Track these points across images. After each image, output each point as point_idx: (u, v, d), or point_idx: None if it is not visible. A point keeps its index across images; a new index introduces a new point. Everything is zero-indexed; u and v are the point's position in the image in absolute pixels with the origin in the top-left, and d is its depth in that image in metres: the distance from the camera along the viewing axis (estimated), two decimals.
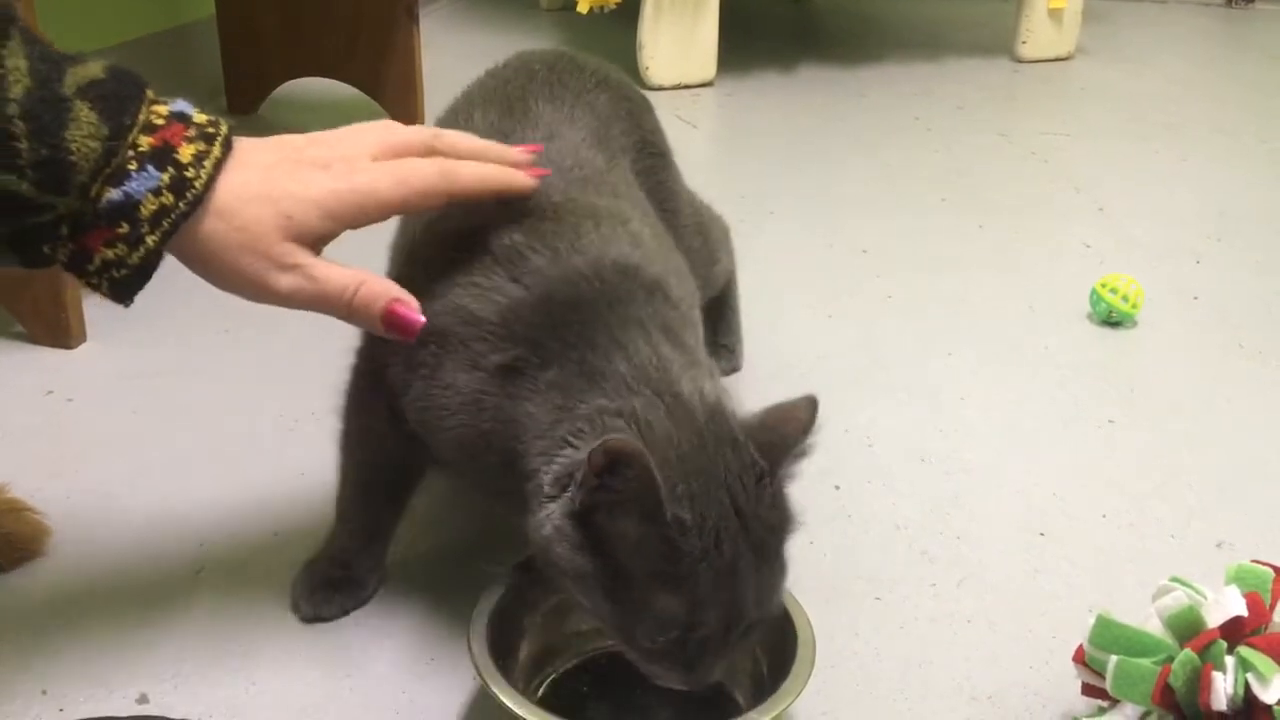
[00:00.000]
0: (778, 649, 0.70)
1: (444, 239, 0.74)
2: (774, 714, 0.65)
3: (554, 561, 0.62)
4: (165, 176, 0.61)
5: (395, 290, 0.67)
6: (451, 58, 2.09)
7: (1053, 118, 2.14)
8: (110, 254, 0.61)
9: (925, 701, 0.76)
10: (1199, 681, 0.64)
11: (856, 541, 0.91)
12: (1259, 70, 2.58)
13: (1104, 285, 1.27)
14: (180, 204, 0.61)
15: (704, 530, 0.60)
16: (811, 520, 0.91)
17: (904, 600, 0.85)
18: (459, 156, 0.70)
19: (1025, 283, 1.39)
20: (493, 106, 0.84)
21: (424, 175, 0.67)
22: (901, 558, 0.89)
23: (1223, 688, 0.63)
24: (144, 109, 0.62)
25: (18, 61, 0.58)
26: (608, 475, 0.59)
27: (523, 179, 0.72)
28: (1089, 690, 0.70)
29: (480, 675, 0.66)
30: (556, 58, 0.91)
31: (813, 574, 0.85)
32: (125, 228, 0.61)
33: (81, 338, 1.14)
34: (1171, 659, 0.65)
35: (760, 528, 0.62)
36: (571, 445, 0.63)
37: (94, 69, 0.62)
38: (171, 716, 0.70)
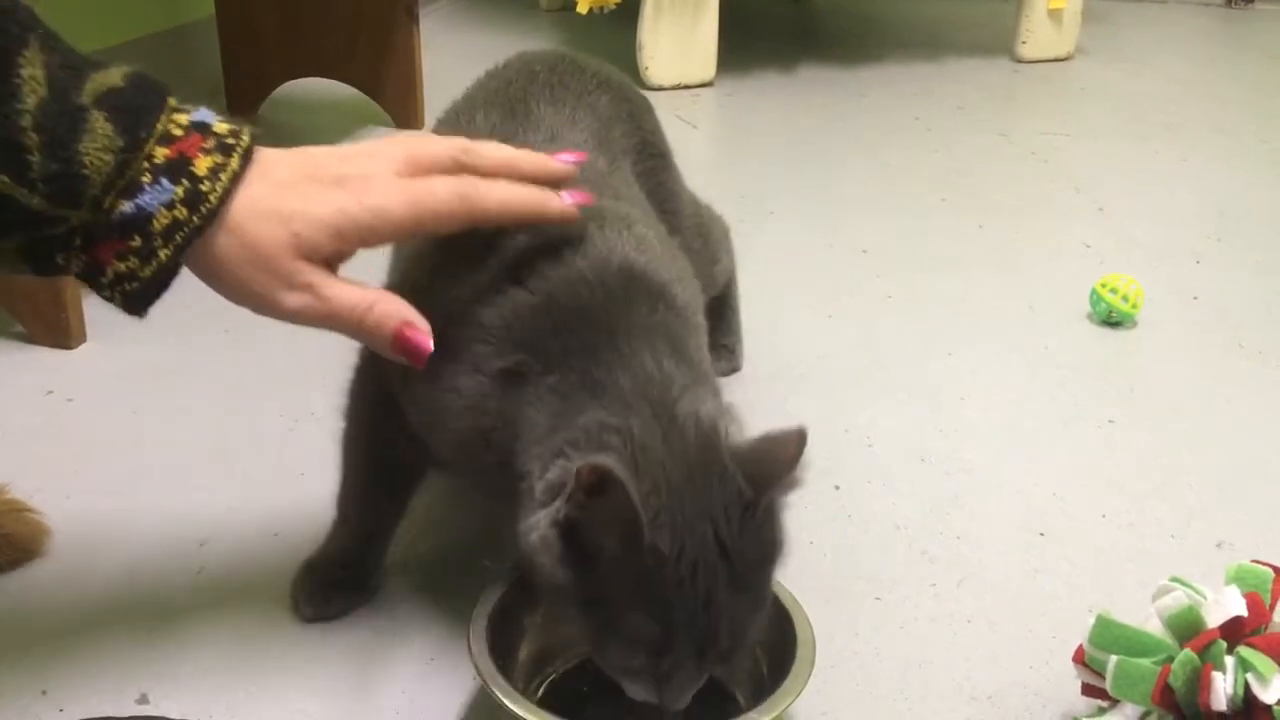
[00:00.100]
0: (778, 649, 0.70)
1: (447, 240, 0.74)
2: (774, 714, 0.65)
3: (537, 569, 0.62)
4: (179, 190, 0.60)
5: (407, 313, 0.65)
6: (451, 58, 2.09)
7: (1053, 118, 2.14)
8: (122, 266, 0.60)
9: (925, 701, 0.76)
10: (1199, 681, 0.64)
11: (856, 541, 0.91)
12: (1259, 70, 2.58)
13: (1104, 285, 1.27)
14: (194, 218, 0.60)
15: (681, 560, 0.60)
16: (811, 520, 0.92)
17: (904, 600, 0.85)
18: (490, 170, 0.68)
19: (1025, 283, 1.39)
20: (494, 109, 0.84)
21: (441, 198, 0.65)
22: (901, 558, 0.89)
23: (1222, 688, 0.63)
24: (163, 119, 0.61)
25: (34, 71, 0.58)
26: (593, 494, 0.59)
27: (556, 206, 0.68)
28: (1089, 690, 0.70)
29: (480, 675, 0.66)
30: (557, 59, 0.91)
31: (813, 574, 0.85)
32: (137, 241, 0.60)
33: (81, 338, 1.15)
34: (1171, 659, 0.65)
35: (741, 560, 0.61)
36: (566, 456, 0.63)
37: (115, 76, 0.61)
38: (171, 717, 0.70)
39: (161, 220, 0.60)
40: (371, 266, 0.74)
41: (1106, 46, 2.58)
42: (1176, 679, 0.64)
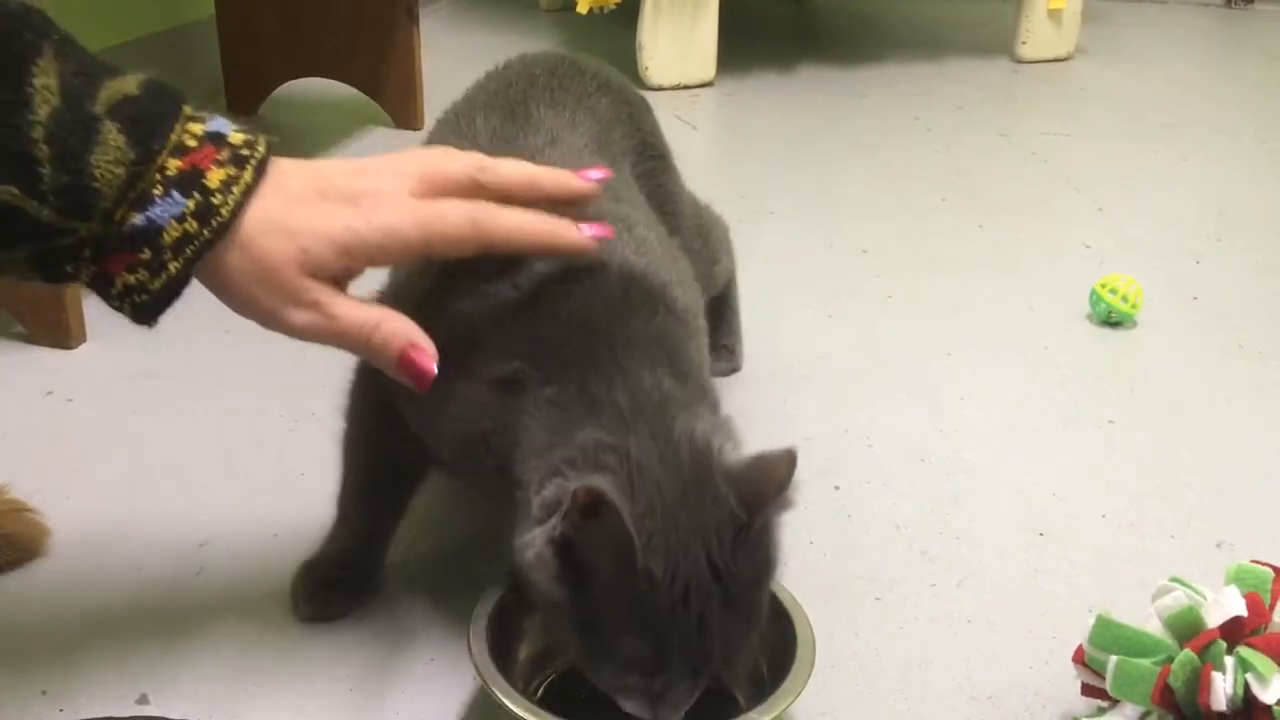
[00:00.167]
0: (778, 649, 0.70)
1: None
2: (774, 714, 0.65)
3: (532, 586, 0.63)
4: (190, 203, 0.59)
5: (413, 335, 0.64)
6: (451, 58, 2.09)
7: (1053, 118, 2.14)
8: (131, 279, 0.60)
9: (925, 701, 0.76)
10: (1199, 682, 0.64)
11: (856, 541, 0.91)
12: (1259, 70, 2.58)
13: (1104, 285, 1.27)
14: (204, 231, 0.60)
15: (674, 583, 0.60)
16: (811, 520, 0.92)
17: (904, 600, 0.85)
18: (509, 188, 0.67)
19: (1025, 283, 1.39)
20: (495, 112, 0.84)
21: (453, 222, 0.64)
22: (901, 558, 0.89)
23: (1222, 688, 0.63)
24: (177, 129, 0.60)
25: (47, 79, 0.57)
26: (588, 516, 0.59)
27: (571, 238, 0.67)
28: (1089, 690, 0.70)
29: (480, 676, 0.66)
30: (557, 61, 0.91)
31: (813, 574, 0.85)
32: (147, 253, 0.59)
33: (81, 338, 1.14)
34: (1171, 659, 0.65)
35: (734, 582, 0.61)
36: (563, 475, 0.63)
37: (130, 84, 0.60)
38: (171, 717, 0.70)
39: (172, 233, 0.59)
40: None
41: (1106, 46, 2.58)
42: (1176, 679, 0.64)
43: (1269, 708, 0.62)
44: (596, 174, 0.70)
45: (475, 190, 0.66)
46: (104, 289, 0.61)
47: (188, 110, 0.61)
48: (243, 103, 1.83)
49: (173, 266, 0.60)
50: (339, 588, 0.81)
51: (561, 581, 0.61)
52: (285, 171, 0.63)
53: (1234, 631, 0.65)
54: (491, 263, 0.69)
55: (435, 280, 0.71)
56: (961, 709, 0.75)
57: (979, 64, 2.41)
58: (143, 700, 0.73)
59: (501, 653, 0.68)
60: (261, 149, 0.62)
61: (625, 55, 2.10)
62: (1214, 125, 2.08)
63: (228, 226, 0.60)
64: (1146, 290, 1.27)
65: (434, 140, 0.86)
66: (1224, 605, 0.66)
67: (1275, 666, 0.63)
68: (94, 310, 1.14)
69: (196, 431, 1.02)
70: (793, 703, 0.66)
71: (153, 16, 1.86)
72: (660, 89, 2.10)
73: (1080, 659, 0.70)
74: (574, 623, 0.62)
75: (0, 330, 1.15)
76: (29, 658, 0.76)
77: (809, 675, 0.67)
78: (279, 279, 0.61)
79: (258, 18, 1.79)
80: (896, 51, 2.48)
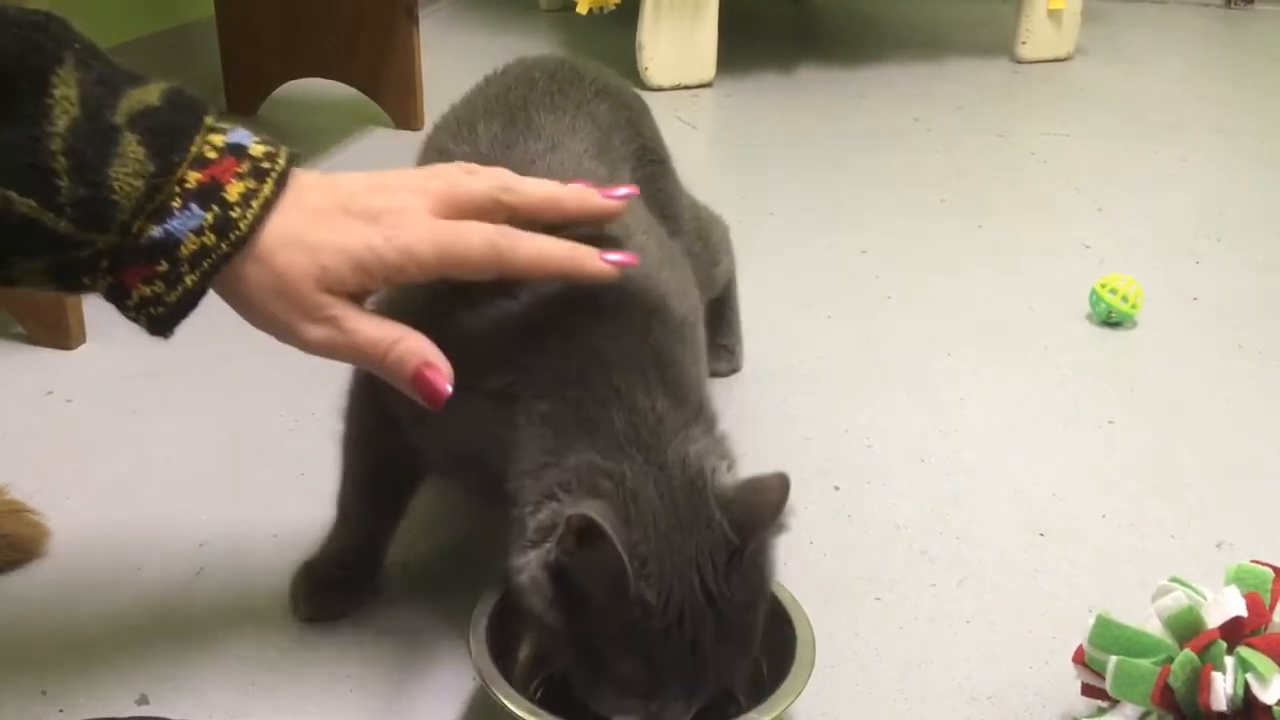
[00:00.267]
0: (778, 649, 0.70)
1: None
2: (774, 714, 0.65)
3: (528, 609, 0.63)
4: (209, 216, 0.59)
5: (429, 354, 0.63)
6: (451, 59, 2.10)
7: (1052, 118, 2.14)
8: (148, 291, 0.59)
9: (925, 701, 0.76)
10: (1199, 682, 0.64)
11: (856, 541, 0.91)
12: (1259, 70, 2.58)
13: (1104, 286, 1.27)
14: (222, 245, 0.59)
15: (668, 609, 0.60)
16: (811, 520, 0.92)
17: (904, 600, 0.85)
18: (532, 209, 0.66)
19: (1025, 283, 1.39)
20: (495, 117, 0.83)
21: (473, 245, 0.63)
22: (901, 558, 0.89)
23: (1222, 688, 0.63)
24: (197, 141, 0.60)
25: (67, 90, 0.57)
26: (582, 543, 0.59)
27: (591, 266, 0.66)
28: (1089, 690, 0.70)
29: (480, 676, 0.66)
30: (556, 66, 0.90)
31: (813, 574, 0.85)
32: (164, 266, 0.59)
33: (81, 338, 1.14)
34: (1171, 659, 0.65)
35: (728, 606, 0.62)
36: (557, 498, 0.63)
37: (152, 94, 0.60)
38: (171, 717, 0.70)
39: (189, 246, 0.59)
40: None
41: (1106, 47, 2.58)
42: (1176, 679, 0.64)
43: (1269, 708, 0.62)
44: (621, 191, 0.70)
45: (498, 210, 0.65)
46: (120, 300, 0.60)
47: (209, 121, 0.61)
48: (243, 103, 1.83)
49: (190, 279, 0.59)
50: (339, 588, 0.81)
51: (557, 606, 0.61)
52: (306, 186, 0.63)
53: (1234, 631, 0.65)
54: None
55: (433, 290, 0.71)
56: (961, 709, 0.75)
57: (979, 64, 2.41)
58: (143, 700, 0.73)
59: (501, 653, 0.68)
60: (282, 161, 0.62)
61: (625, 55, 2.10)
62: (1214, 125, 2.08)
63: (246, 240, 0.60)
64: (1146, 290, 1.27)
65: (433, 145, 0.86)
66: (1224, 605, 0.66)
67: (1275, 667, 0.63)
68: (94, 310, 1.14)
69: (196, 431, 1.02)
70: (793, 703, 0.66)
71: (153, 16, 1.86)
72: (660, 89, 2.10)
73: (1080, 659, 0.70)
74: (570, 646, 0.62)
75: (0, 330, 1.15)
76: (29, 658, 0.76)
77: (809, 675, 0.67)
78: (297, 294, 0.61)
79: (258, 18, 1.79)
80: (896, 52, 2.48)
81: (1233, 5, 3.11)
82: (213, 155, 0.60)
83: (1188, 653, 0.65)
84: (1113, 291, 1.26)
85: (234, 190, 0.60)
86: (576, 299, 0.68)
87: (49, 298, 1.12)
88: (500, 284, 0.69)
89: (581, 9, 2.09)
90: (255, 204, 0.60)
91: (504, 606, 0.70)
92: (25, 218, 0.56)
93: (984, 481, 0.99)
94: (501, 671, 0.66)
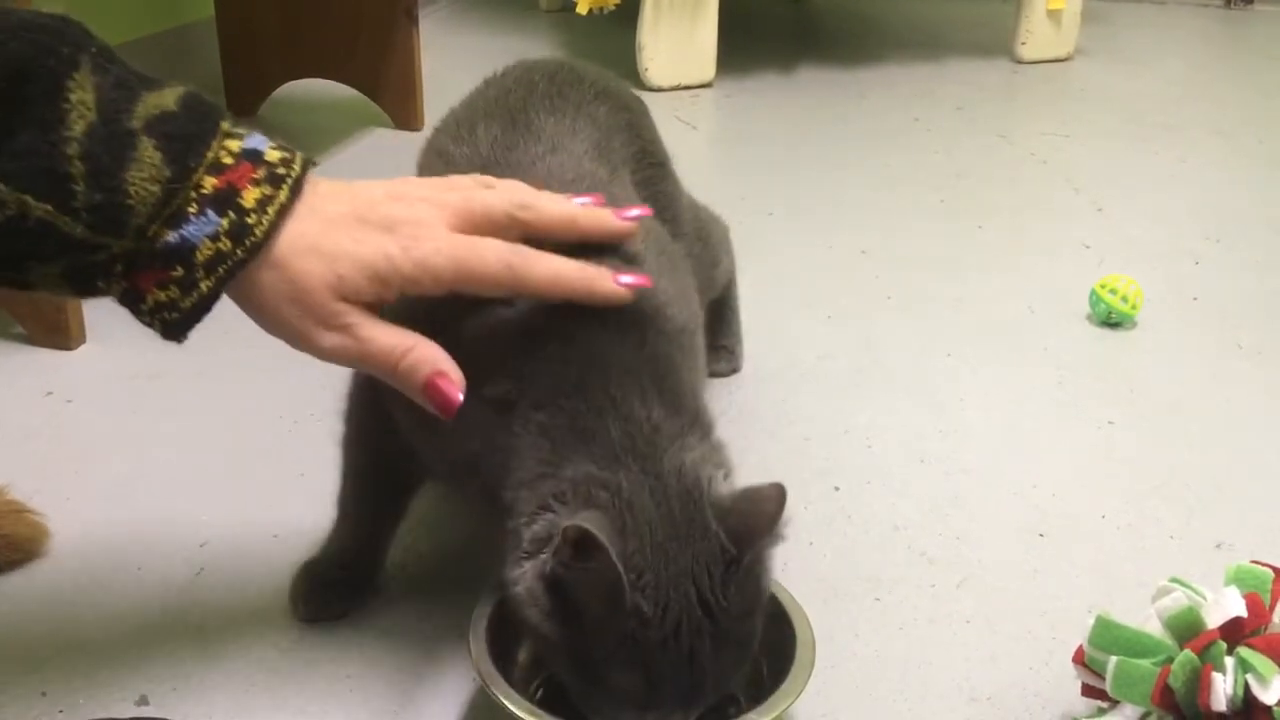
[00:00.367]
0: (777, 649, 0.70)
1: None
2: (774, 714, 0.65)
3: (524, 620, 0.63)
4: (225, 222, 0.59)
5: (442, 362, 0.63)
6: (451, 59, 2.10)
7: (1052, 118, 2.14)
8: (163, 296, 0.59)
9: (925, 702, 0.76)
10: (1199, 682, 0.64)
11: (856, 542, 0.91)
12: (1258, 71, 2.58)
13: (1103, 286, 1.27)
14: (238, 250, 0.59)
15: (665, 620, 0.60)
16: (811, 520, 0.92)
17: (904, 601, 0.85)
18: (548, 228, 0.66)
19: (1025, 283, 1.39)
20: (495, 120, 0.83)
21: (489, 262, 0.63)
22: (901, 558, 0.89)
23: (1222, 688, 0.63)
24: (214, 146, 0.60)
25: (84, 94, 0.57)
26: (578, 555, 0.59)
27: (605, 288, 0.66)
28: (1089, 691, 0.70)
29: (480, 676, 0.66)
30: (556, 68, 0.90)
31: (813, 574, 0.85)
32: (179, 271, 0.59)
33: (81, 339, 1.15)
34: (1171, 660, 0.65)
35: (725, 616, 0.62)
36: (553, 509, 0.63)
37: (169, 98, 0.60)
38: (171, 718, 0.70)
39: (205, 252, 0.59)
40: None
41: (1106, 47, 2.58)
42: (1176, 680, 0.64)
43: (1269, 708, 0.62)
44: (635, 212, 0.70)
45: (514, 227, 0.66)
46: (135, 305, 0.60)
47: (225, 126, 0.61)
48: (243, 103, 1.83)
49: (204, 285, 0.59)
50: (339, 588, 0.81)
51: (553, 618, 0.61)
52: (322, 192, 0.63)
53: (1234, 632, 0.65)
54: None
55: (435, 296, 0.71)
56: (961, 709, 0.75)
57: (979, 64, 2.41)
58: (143, 701, 0.73)
59: (501, 653, 0.68)
60: (298, 168, 0.62)
61: (625, 56, 2.10)
62: (1213, 126, 2.08)
63: (261, 246, 0.60)
64: (1146, 290, 1.27)
65: (434, 147, 0.86)
66: (1224, 606, 0.66)
67: (1275, 667, 0.63)
68: (94, 311, 1.14)
69: (196, 431, 1.02)
70: (793, 703, 0.66)
71: (153, 16, 1.87)
72: (660, 90, 2.10)
73: (1080, 659, 0.70)
74: (566, 656, 0.63)
75: (0, 331, 1.15)
76: (29, 658, 0.76)
77: (809, 676, 0.67)
78: (311, 301, 0.61)
79: (258, 18, 1.79)
80: (896, 52, 2.48)
81: (1233, 5, 3.11)
82: (229, 161, 0.60)
83: (1188, 653, 0.65)
84: (1112, 292, 1.26)
85: (250, 196, 0.60)
86: (576, 306, 0.68)
87: (49, 298, 1.12)
88: None
89: (581, 9, 2.09)
90: (271, 210, 0.60)
91: (504, 607, 0.70)
92: (41, 222, 0.56)
93: (984, 482, 0.99)
94: (501, 672, 0.66)
